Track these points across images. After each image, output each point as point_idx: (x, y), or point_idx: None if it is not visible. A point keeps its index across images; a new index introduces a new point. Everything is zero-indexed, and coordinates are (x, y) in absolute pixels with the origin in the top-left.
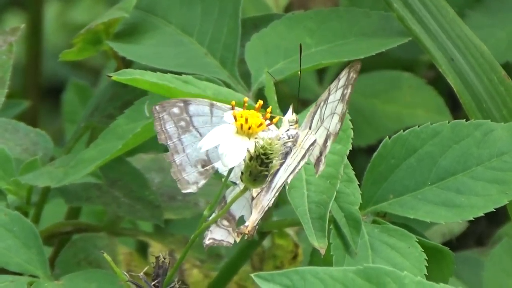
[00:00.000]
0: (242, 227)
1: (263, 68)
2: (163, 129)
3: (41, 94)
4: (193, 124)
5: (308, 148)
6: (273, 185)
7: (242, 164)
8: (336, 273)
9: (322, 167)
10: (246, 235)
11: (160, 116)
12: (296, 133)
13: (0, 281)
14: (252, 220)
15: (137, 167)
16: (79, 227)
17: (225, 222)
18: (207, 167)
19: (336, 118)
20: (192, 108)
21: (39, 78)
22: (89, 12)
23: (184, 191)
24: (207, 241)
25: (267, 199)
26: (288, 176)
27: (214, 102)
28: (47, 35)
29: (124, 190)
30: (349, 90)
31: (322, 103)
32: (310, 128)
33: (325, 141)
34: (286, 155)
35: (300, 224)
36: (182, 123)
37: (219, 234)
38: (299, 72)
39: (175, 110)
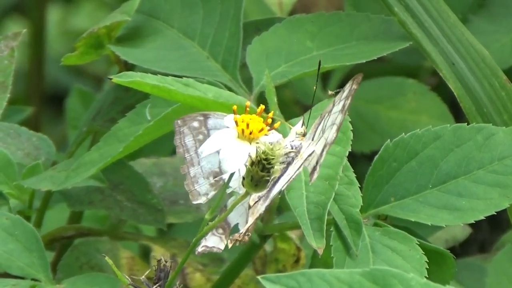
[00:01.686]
0: (236, 234)
1: (265, 71)
2: (182, 142)
3: (44, 100)
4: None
5: (306, 158)
6: (271, 194)
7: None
8: (342, 275)
9: (316, 175)
10: (239, 241)
11: (181, 130)
12: (300, 144)
13: (3, 285)
14: (246, 226)
15: (139, 171)
16: (81, 231)
17: (220, 230)
18: (218, 178)
19: (334, 128)
20: (210, 122)
21: (42, 85)
22: (91, 18)
23: (194, 202)
24: (199, 249)
25: (264, 207)
26: (284, 185)
27: (229, 115)
28: (49, 41)
29: (126, 194)
30: (348, 101)
31: (327, 114)
32: (313, 139)
33: (322, 150)
34: (288, 165)
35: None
36: (200, 137)
37: (211, 241)
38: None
39: (195, 124)
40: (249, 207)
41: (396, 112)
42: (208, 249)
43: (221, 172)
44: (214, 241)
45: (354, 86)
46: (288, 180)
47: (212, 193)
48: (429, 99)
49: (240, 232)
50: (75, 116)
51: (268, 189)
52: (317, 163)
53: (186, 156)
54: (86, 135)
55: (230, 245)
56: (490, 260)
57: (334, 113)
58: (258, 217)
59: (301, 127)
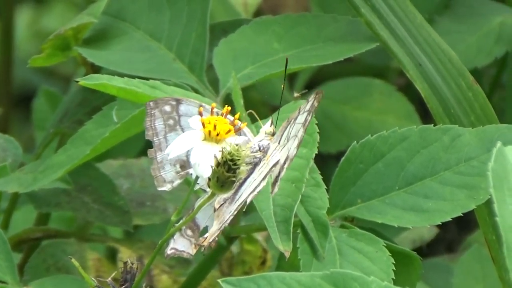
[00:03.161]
0: (200, 238)
1: (231, 73)
2: (152, 125)
3: (13, 102)
4: (180, 124)
5: (271, 167)
6: (237, 196)
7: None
8: (303, 279)
9: (276, 189)
10: (203, 248)
11: (152, 112)
12: (268, 144)
13: None
14: (212, 232)
15: (106, 173)
16: (48, 233)
17: (189, 232)
18: (186, 170)
19: (296, 142)
20: (182, 108)
21: (10, 86)
22: (61, 19)
23: (159, 189)
24: (168, 251)
25: (229, 211)
26: (249, 195)
27: (204, 104)
28: (18, 42)
29: (93, 195)
30: (309, 118)
31: (293, 120)
32: (279, 143)
33: (284, 162)
34: (255, 165)
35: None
36: (171, 122)
37: (181, 244)
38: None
39: (167, 108)
40: (214, 210)
41: (362, 112)
42: (178, 253)
43: (188, 161)
44: (183, 244)
45: (315, 103)
46: (254, 191)
47: (177, 182)
48: (395, 100)
49: (205, 236)
50: (43, 117)
51: (234, 190)
52: (279, 174)
53: (154, 139)
54: (53, 137)
55: (194, 250)
56: (457, 260)
57: (298, 123)
58: (224, 224)
59: (270, 126)
